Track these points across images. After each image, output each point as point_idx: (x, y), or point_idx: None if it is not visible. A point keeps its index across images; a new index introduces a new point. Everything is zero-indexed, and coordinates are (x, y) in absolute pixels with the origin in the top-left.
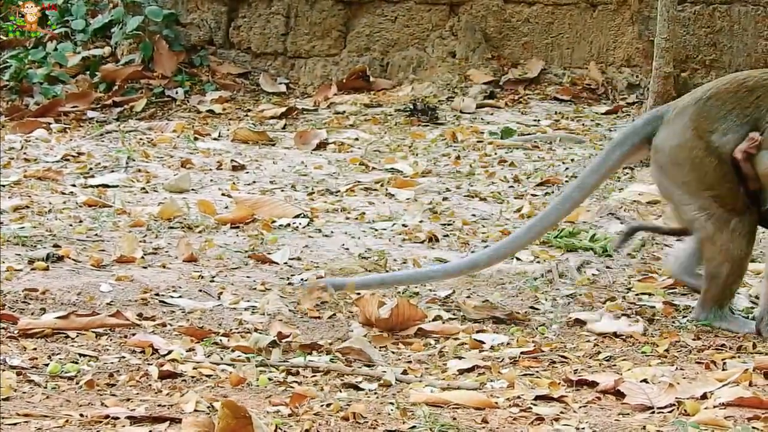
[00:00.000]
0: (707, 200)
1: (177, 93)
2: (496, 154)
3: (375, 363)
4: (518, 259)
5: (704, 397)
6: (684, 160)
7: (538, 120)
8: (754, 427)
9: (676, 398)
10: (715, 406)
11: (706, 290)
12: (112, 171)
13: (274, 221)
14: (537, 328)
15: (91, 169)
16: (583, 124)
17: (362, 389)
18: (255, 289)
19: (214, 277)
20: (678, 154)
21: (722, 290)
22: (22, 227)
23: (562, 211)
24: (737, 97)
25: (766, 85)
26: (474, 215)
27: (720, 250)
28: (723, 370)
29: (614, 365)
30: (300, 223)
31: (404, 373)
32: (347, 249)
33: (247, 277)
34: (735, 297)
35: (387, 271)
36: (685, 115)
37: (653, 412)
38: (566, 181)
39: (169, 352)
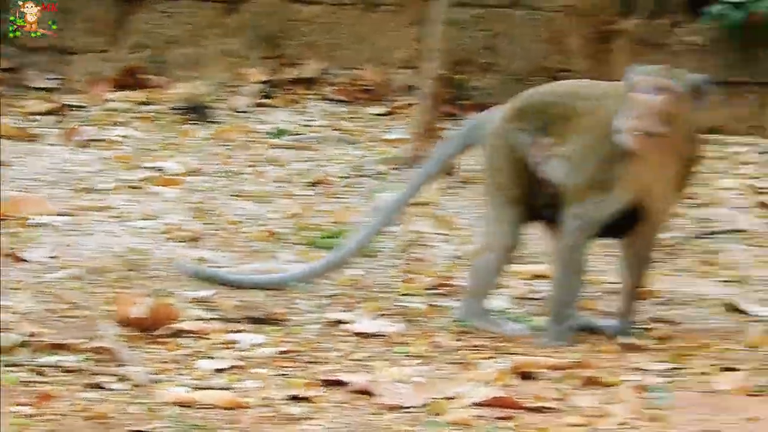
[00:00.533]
0: (492, 186)
1: None
2: (267, 153)
3: (126, 362)
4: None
5: (457, 397)
6: (489, 146)
7: (314, 120)
8: (502, 427)
9: (431, 398)
10: (469, 406)
11: (470, 283)
12: None
13: (32, 219)
14: (294, 328)
15: None
16: (357, 125)
17: (111, 389)
18: (6, 287)
19: None
20: (488, 140)
21: (484, 282)
22: None
23: (408, 196)
24: (544, 102)
25: (569, 93)
26: (239, 214)
27: (487, 237)
28: (479, 370)
29: (370, 365)
30: (60, 221)
31: (156, 372)
32: (108, 248)
33: None
34: (495, 298)
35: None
36: (505, 108)
37: (405, 412)
38: (336, 182)
39: None
